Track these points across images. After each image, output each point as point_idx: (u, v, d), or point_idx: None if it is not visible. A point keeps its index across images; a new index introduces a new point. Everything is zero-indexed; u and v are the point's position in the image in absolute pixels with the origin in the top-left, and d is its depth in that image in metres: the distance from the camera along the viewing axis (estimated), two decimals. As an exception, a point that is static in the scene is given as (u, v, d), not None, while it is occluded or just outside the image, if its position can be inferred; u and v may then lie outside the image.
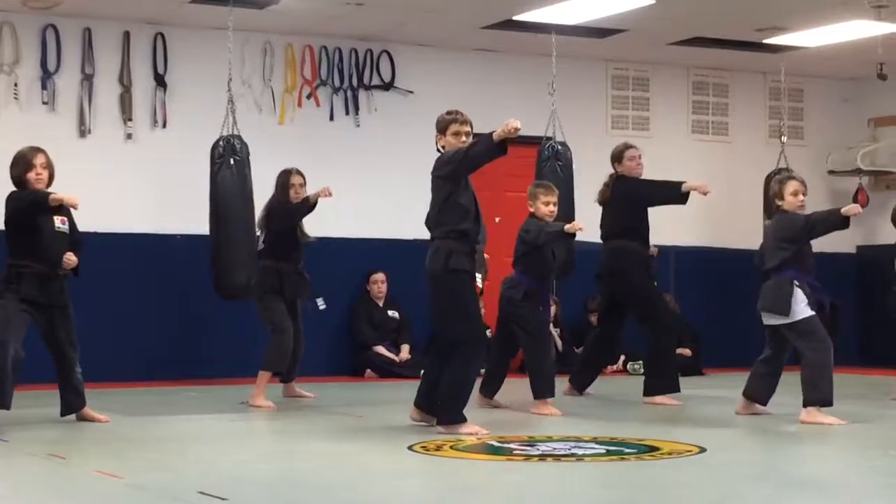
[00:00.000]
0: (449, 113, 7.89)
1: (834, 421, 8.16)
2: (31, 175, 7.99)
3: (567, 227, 8.74)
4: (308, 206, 9.81)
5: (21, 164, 8.04)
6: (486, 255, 8.10)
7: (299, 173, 10.01)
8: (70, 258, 8.04)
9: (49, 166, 8.07)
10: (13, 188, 8.12)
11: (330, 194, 9.76)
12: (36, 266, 7.97)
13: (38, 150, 8.11)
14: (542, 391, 8.91)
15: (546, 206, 9.04)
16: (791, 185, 8.46)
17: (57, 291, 8.06)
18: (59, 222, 8.06)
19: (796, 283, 8.31)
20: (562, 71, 12.16)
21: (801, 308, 8.29)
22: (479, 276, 7.87)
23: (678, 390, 9.70)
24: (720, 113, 14.31)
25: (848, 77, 14.47)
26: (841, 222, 8.28)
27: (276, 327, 9.63)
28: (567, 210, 11.37)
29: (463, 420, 7.67)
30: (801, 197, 8.44)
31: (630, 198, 9.80)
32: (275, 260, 9.80)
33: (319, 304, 9.94)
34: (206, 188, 10.62)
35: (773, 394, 8.69)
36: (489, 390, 9.33)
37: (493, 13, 11.68)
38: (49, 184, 8.09)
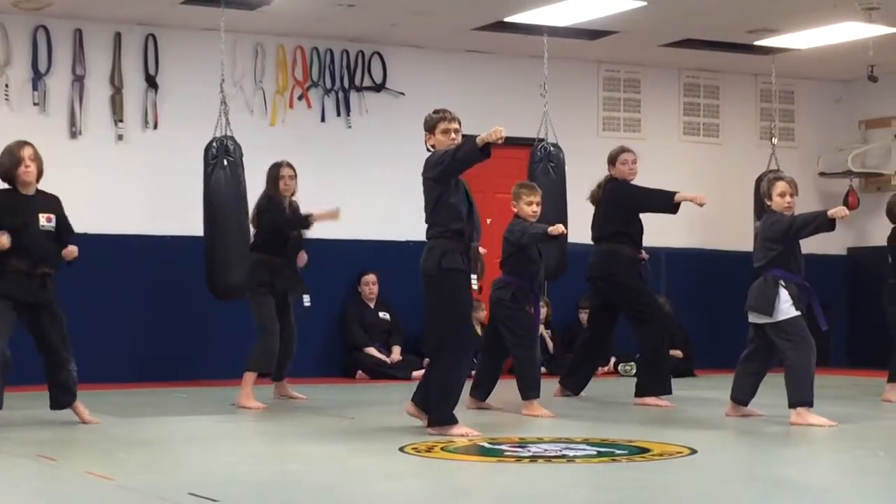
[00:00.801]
0: (436, 112, 7.92)
1: (824, 422, 8.17)
2: (21, 169, 7.93)
3: (550, 229, 8.76)
4: (305, 223, 9.80)
5: (7, 158, 7.98)
6: (481, 250, 8.06)
7: (289, 165, 9.98)
8: (70, 251, 8.00)
9: (37, 159, 8.00)
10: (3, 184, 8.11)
11: (337, 218, 9.75)
12: (18, 264, 7.93)
13: (25, 143, 8.03)
14: (528, 392, 8.93)
15: (529, 206, 9.05)
16: (779, 186, 8.47)
17: (38, 289, 7.99)
18: (44, 220, 8.01)
19: (782, 283, 8.33)
20: (553, 72, 12.17)
21: (786, 308, 8.30)
22: (474, 277, 7.85)
23: (670, 392, 9.71)
24: (711, 115, 14.33)
25: (839, 79, 14.50)
26: (827, 224, 8.29)
27: (263, 325, 9.61)
28: (559, 211, 11.39)
29: (454, 421, 7.67)
30: (788, 198, 8.44)
31: (621, 202, 9.82)
32: (267, 254, 9.79)
33: (305, 300, 9.93)
34: (198, 189, 10.62)
35: (754, 394, 8.68)
36: (481, 393, 9.32)
37: (485, 15, 11.68)
38: (38, 177, 8.03)
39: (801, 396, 8.25)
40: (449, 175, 7.69)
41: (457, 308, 7.73)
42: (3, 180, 8.06)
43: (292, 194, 9.99)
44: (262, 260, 9.76)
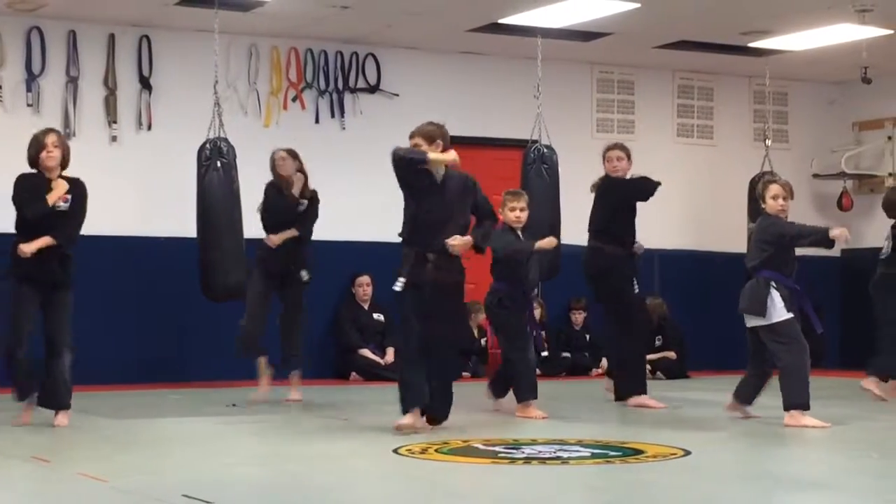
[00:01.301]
0: None
1: (818, 424, 8.18)
2: (43, 154, 8.17)
3: (540, 243, 8.81)
4: (296, 204, 10.03)
5: (34, 144, 8.24)
6: (452, 243, 8.00)
7: (282, 150, 10.03)
8: (22, 249, 8.07)
9: (61, 146, 8.22)
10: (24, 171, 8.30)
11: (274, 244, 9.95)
12: (57, 243, 8.11)
13: (50, 130, 8.35)
14: (523, 394, 8.94)
15: (512, 213, 9.05)
16: (772, 189, 8.47)
17: (54, 269, 8.10)
18: (60, 201, 8.16)
19: (773, 284, 8.32)
20: (547, 74, 12.18)
21: (779, 310, 8.29)
22: (401, 281, 7.85)
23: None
24: (705, 116, 14.34)
25: (832, 81, 14.52)
26: (826, 242, 8.29)
27: (247, 309, 9.85)
28: (552, 213, 11.42)
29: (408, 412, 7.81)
30: (780, 200, 8.43)
31: (603, 197, 9.80)
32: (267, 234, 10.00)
33: (303, 276, 10.03)
34: (192, 190, 10.62)
35: (757, 395, 8.68)
36: (495, 391, 9.36)
37: (479, 16, 11.69)
38: (64, 163, 8.23)
39: (795, 399, 8.25)
40: (398, 178, 7.93)
41: (399, 309, 7.94)
42: (30, 164, 8.27)
43: (298, 178, 10.02)
44: (263, 241, 9.94)
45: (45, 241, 8.05)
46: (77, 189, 8.22)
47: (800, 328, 8.36)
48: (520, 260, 9.07)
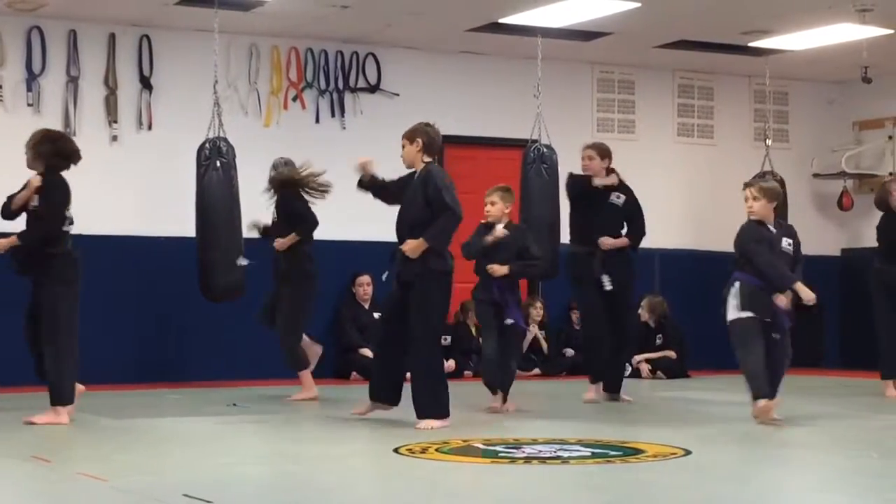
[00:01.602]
0: None
1: (770, 406, 8.19)
2: None
3: (487, 238, 9.04)
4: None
5: None
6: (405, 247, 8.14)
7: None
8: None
9: (32, 147, 8.21)
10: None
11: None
12: (19, 243, 8.19)
13: (33, 134, 8.39)
14: (487, 386, 9.14)
15: (485, 207, 9.21)
16: (744, 193, 8.60)
17: (31, 266, 8.14)
18: (35, 201, 8.20)
19: (735, 285, 8.37)
20: (547, 74, 12.17)
21: (733, 310, 8.35)
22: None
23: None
24: (705, 116, 14.34)
25: (832, 80, 14.51)
26: (782, 291, 8.29)
27: None
28: (552, 212, 11.42)
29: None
30: (749, 202, 8.53)
31: (569, 197, 9.98)
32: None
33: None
34: (192, 190, 10.62)
35: (775, 386, 8.59)
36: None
37: (479, 16, 11.69)
38: (55, 162, 8.20)
39: (753, 392, 8.28)
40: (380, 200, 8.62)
41: None
42: None
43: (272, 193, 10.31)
44: None
45: (9, 241, 8.13)
46: (45, 186, 8.17)
47: (752, 326, 8.31)
48: (476, 254, 9.14)
